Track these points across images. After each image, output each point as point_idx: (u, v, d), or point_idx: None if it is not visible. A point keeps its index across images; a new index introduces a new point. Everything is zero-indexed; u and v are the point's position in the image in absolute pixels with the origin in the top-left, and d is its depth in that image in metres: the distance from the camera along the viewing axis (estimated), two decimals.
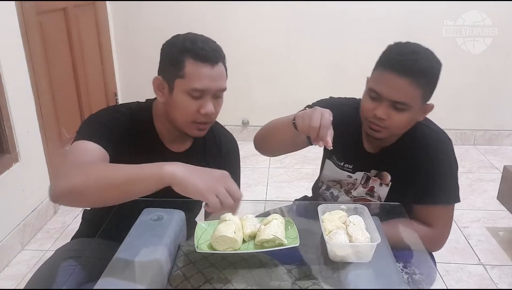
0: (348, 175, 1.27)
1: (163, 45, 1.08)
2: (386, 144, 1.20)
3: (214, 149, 1.23)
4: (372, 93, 1.10)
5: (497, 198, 2.21)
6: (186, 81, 1.02)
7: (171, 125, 1.11)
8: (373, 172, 1.24)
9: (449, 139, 1.17)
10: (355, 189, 1.28)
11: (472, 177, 2.84)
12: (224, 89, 1.07)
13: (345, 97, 1.32)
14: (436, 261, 1.26)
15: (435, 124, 1.21)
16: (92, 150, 1.00)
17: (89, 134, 1.04)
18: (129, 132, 1.11)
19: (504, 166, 2.13)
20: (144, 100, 1.21)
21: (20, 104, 2.04)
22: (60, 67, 2.45)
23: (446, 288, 1.80)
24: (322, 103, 1.27)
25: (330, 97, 1.32)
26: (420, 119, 1.15)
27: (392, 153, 1.20)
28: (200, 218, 1.25)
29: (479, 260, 2.02)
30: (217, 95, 1.06)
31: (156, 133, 1.15)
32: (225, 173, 0.85)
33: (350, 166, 1.27)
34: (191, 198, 0.81)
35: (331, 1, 3.04)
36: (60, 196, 0.89)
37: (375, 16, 3.07)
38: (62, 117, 2.46)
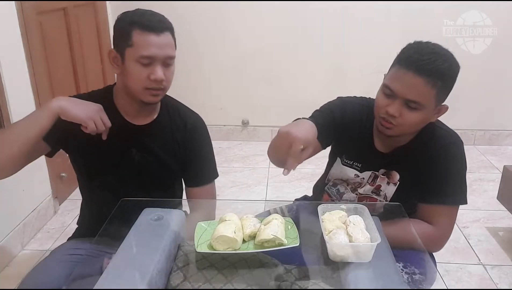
0: (355, 174, 1.27)
1: (115, 21, 1.15)
2: (399, 144, 1.20)
3: (180, 125, 1.27)
4: (386, 89, 1.10)
5: (497, 198, 2.20)
6: (134, 49, 1.09)
7: (129, 97, 1.17)
8: (381, 171, 1.24)
9: (461, 141, 1.17)
10: (361, 187, 1.28)
11: (472, 177, 2.83)
12: (172, 57, 1.13)
13: (355, 96, 1.30)
14: (436, 261, 1.27)
15: (447, 126, 1.21)
16: None
17: None
18: None
19: (504, 166, 2.13)
20: None
21: (20, 104, 2.04)
22: (60, 67, 2.45)
23: (446, 288, 1.81)
24: (332, 105, 1.27)
25: (338, 98, 1.30)
26: (433, 120, 1.15)
27: (404, 153, 1.20)
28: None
29: (479, 260, 2.02)
30: (166, 62, 1.12)
31: (116, 109, 1.21)
32: (100, 106, 1.12)
33: (359, 165, 1.27)
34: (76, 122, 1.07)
35: (332, 1, 3.04)
36: None
37: (375, 16, 3.07)
38: None
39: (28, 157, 1.11)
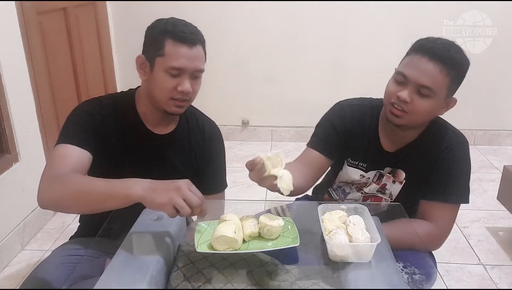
0: (361, 175, 1.28)
1: (148, 27, 1.15)
2: (405, 141, 1.20)
3: (198, 134, 1.27)
4: (399, 76, 1.11)
5: (497, 198, 2.21)
6: (165, 60, 1.08)
7: (152, 105, 1.16)
8: (387, 169, 1.24)
9: (467, 142, 1.20)
10: (367, 186, 1.28)
11: (472, 177, 2.79)
12: (202, 70, 1.13)
13: (354, 98, 1.30)
14: (436, 261, 1.27)
15: (453, 126, 1.22)
16: (71, 155, 1.07)
17: (69, 136, 1.10)
18: (112, 119, 1.16)
19: (504, 166, 2.13)
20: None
21: (20, 104, 2.04)
22: (60, 67, 2.45)
23: (446, 288, 1.81)
24: (331, 114, 1.26)
25: (336, 104, 1.29)
26: (442, 113, 1.16)
27: (410, 152, 1.20)
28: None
29: (479, 260, 2.02)
30: (195, 75, 1.12)
31: (139, 117, 1.20)
32: (181, 183, 0.88)
33: (364, 165, 1.27)
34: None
35: (332, 1, 3.04)
36: (45, 206, 1.02)
37: (375, 16, 3.06)
38: (62, 117, 2.43)
39: None
